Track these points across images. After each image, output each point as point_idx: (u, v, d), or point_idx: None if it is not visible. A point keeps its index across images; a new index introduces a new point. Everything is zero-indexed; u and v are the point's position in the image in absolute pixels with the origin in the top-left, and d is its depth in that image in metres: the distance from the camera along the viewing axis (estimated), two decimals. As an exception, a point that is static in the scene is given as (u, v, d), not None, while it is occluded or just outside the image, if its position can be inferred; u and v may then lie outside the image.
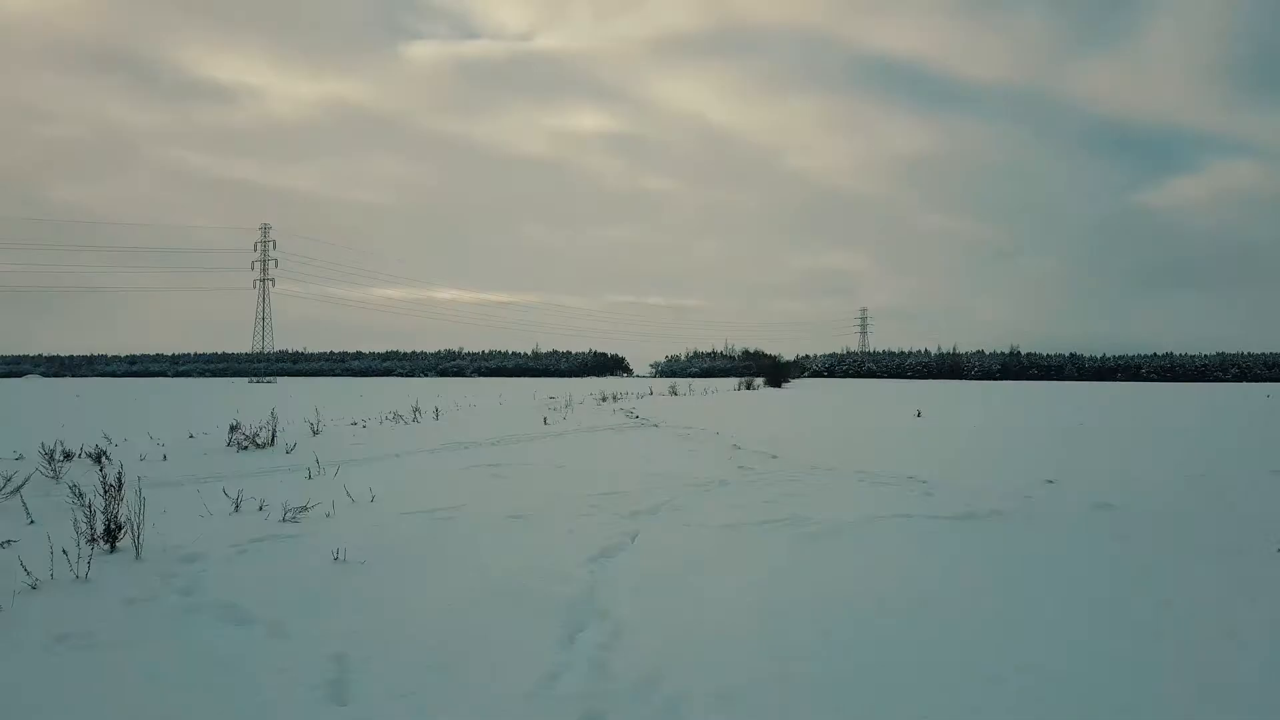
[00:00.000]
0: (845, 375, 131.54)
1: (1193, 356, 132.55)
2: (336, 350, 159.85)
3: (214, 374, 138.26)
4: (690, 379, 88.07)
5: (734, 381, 68.27)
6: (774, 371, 70.65)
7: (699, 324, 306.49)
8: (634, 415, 23.04)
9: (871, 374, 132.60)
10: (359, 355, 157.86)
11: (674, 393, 42.23)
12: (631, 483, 9.34)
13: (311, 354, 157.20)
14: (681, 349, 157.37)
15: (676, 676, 3.59)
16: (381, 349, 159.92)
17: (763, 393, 49.83)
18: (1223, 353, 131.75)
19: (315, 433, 14.79)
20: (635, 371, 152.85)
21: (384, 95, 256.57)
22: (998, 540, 6.48)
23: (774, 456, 12.20)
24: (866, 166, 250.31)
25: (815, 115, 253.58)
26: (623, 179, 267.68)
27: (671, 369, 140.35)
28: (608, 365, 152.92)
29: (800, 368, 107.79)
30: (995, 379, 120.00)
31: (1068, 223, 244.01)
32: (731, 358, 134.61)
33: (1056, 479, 9.76)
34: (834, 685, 3.52)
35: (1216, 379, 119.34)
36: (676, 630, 4.22)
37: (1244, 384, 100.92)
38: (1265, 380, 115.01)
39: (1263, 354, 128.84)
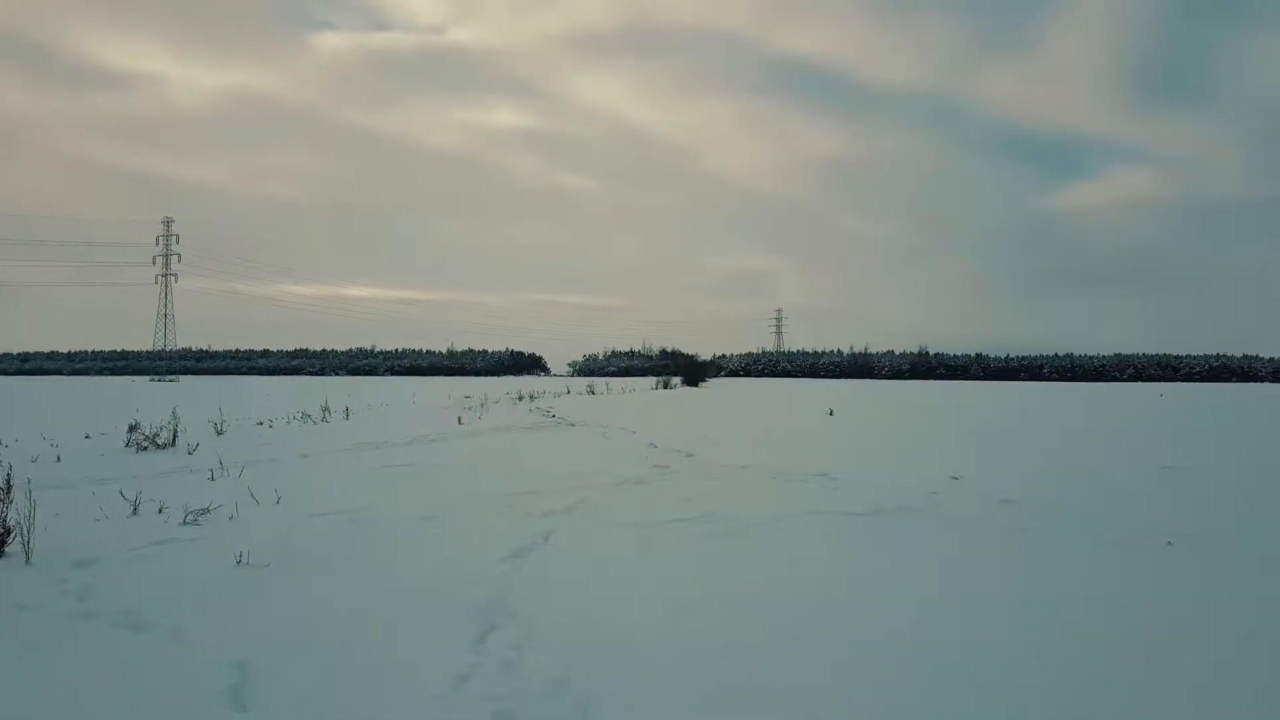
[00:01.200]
0: (761, 375, 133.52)
1: (1091, 357, 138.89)
2: (243, 348, 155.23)
3: (113, 372, 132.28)
4: (608, 378, 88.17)
5: (652, 380, 68.53)
6: (691, 371, 71.17)
7: (617, 323, 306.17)
8: (550, 414, 22.96)
9: (786, 373, 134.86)
10: (266, 354, 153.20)
11: (591, 392, 42.23)
12: (547, 482, 9.31)
13: (216, 352, 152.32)
14: (599, 348, 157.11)
15: (587, 677, 3.60)
16: (290, 347, 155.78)
17: (680, 392, 50.18)
18: (1120, 354, 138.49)
19: (219, 433, 14.35)
20: (553, 371, 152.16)
21: (291, 86, 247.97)
22: (905, 535, 6.66)
23: (690, 455, 12.31)
24: (783, 168, 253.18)
25: (732, 116, 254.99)
26: (539, 176, 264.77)
27: (589, 368, 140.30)
28: (525, 364, 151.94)
29: (717, 367, 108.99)
30: (905, 378, 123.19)
31: (977, 226, 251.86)
32: (650, 357, 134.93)
33: (961, 475, 10.08)
34: (746, 684, 3.57)
35: (1114, 379, 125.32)
36: (589, 630, 4.24)
37: (1139, 384, 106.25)
38: (1158, 380, 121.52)
39: (1156, 355, 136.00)
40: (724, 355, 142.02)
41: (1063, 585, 5.19)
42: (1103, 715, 3.28)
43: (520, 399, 32.19)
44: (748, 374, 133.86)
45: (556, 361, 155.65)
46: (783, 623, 4.36)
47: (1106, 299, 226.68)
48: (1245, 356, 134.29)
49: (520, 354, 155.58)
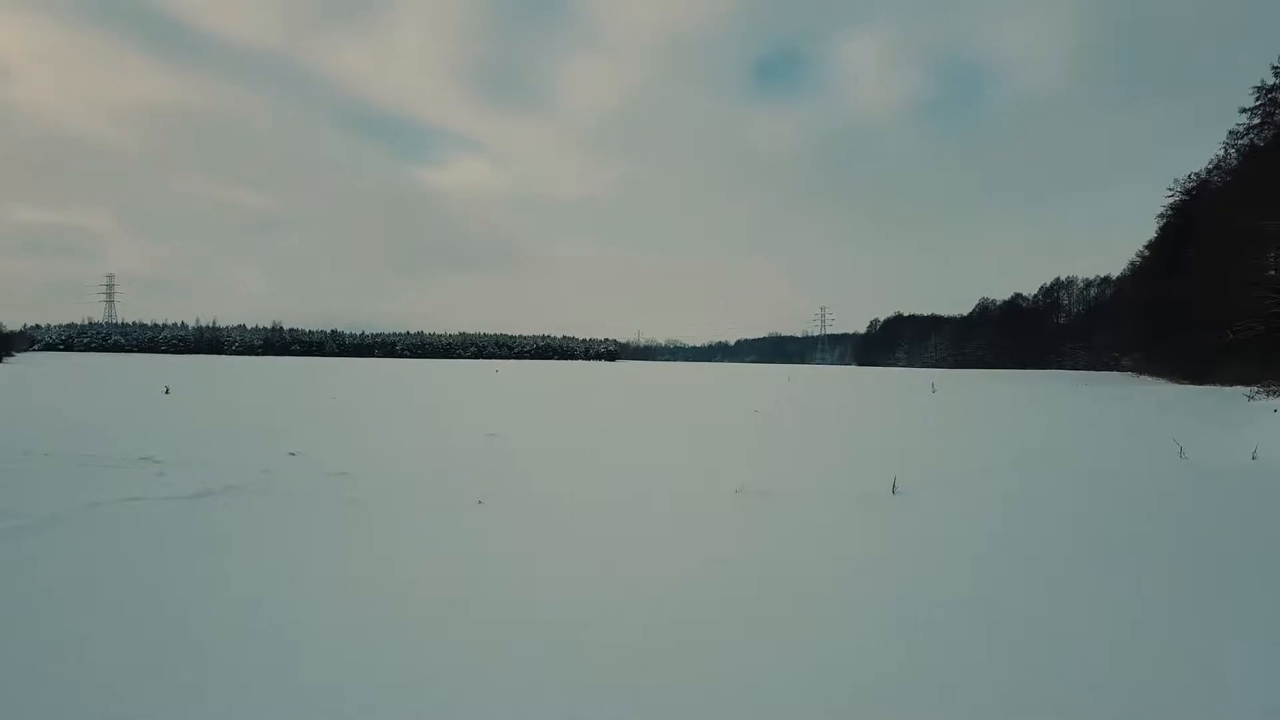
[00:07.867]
0: (88, 349, 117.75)
1: (440, 335, 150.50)
2: None
3: None
4: None
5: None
6: (-10, 344, 59.58)
7: None
8: None
9: (120, 348, 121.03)
10: None
11: None
12: None
13: None
14: None
15: None
16: None
17: (-27, 369, 41.56)
18: (464, 333, 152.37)
19: None
20: None
21: None
22: (229, 515, 6.33)
23: (-27, 444, 10.16)
24: (108, 112, 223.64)
25: (36, 40, 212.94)
26: None
27: None
28: None
29: (28, 340, 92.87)
30: (258, 354, 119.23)
31: (333, 201, 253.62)
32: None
33: (299, 452, 9.97)
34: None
35: (459, 356, 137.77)
36: None
37: (480, 360, 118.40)
38: (496, 357, 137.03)
39: (495, 335, 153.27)
40: (37, 326, 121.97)
41: (378, 544, 5.37)
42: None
43: None
44: (70, 348, 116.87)
45: None
46: (79, 630, 3.76)
47: (456, 280, 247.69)
48: (565, 338, 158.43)
49: None
